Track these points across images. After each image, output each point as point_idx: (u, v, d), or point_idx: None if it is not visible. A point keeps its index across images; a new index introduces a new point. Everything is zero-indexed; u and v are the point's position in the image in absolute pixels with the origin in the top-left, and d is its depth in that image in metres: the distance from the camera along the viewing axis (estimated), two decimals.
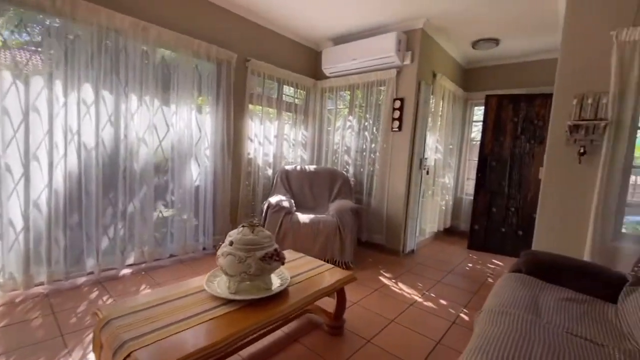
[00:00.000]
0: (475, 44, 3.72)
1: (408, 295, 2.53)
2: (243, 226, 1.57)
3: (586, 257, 2.19)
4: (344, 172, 3.73)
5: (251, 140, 3.51)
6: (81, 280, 2.39)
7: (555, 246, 2.30)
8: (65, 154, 2.23)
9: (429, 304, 2.41)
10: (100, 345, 1.26)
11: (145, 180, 2.65)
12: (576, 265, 1.73)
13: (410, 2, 2.88)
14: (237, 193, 3.42)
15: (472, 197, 4.03)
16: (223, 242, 1.57)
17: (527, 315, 1.32)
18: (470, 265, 3.39)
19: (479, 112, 4.54)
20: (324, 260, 2.87)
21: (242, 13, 3.23)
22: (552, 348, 1.09)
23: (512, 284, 1.64)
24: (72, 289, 2.28)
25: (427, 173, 3.80)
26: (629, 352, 1.15)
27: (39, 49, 2.13)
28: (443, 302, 2.46)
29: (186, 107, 2.83)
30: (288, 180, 3.61)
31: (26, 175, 2.12)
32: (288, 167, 3.67)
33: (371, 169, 3.77)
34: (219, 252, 1.54)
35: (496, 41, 3.59)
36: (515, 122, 3.70)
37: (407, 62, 3.34)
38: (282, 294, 1.58)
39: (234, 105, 3.22)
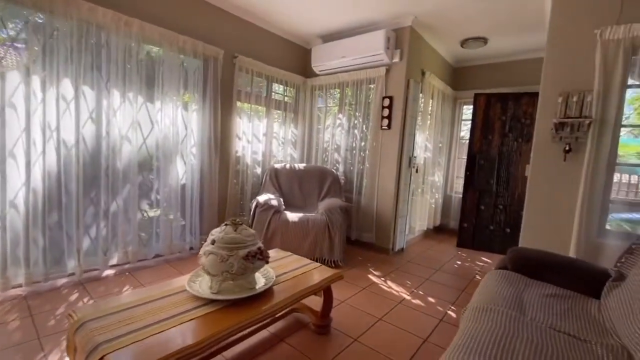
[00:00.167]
0: (463, 43, 3.74)
1: (396, 294, 2.52)
2: (226, 224, 1.53)
3: (571, 254, 2.21)
4: (333, 171, 3.71)
5: (239, 138, 3.47)
6: (61, 281, 2.32)
7: (541, 243, 2.32)
8: (44, 152, 2.16)
9: (417, 301, 2.41)
10: (74, 349, 1.22)
11: (129, 178, 2.59)
12: (561, 262, 1.73)
13: None
14: (225, 191, 3.37)
15: (461, 196, 4.05)
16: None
17: (511, 311, 1.32)
18: (459, 262, 3.40)
19: (468, 111, 4.57)
20: (313, 259, 2.85)
21: (228, 9, 3.18)
22: (535, 344, 1.09)
23: (498, 280, 1.64)
24: (52, 291, 2.21)
25: (417, 171, 3.81)
26: (611, 347, 1.15)
27: (15, 44, 2.05)
28: (431, 299, 2.46)
29: (172, 104, 2.76)
30: (277, 179, 3.58)
31: (2, 173, 2.05)
32: (277, 166, 3.64)
33: (361, 167, 3.75)
34: (201, 251, 1.51)
35: (484, 40, 3.61)
36: (503, 120, 3.73)
37: (396, 60, 3.34)
38: (267, 293, 1.55)
39: (222, 103, 3.17)
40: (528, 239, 2.44)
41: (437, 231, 4.62)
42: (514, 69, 4.08)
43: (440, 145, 4.43)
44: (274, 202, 3.11)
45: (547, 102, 2.36)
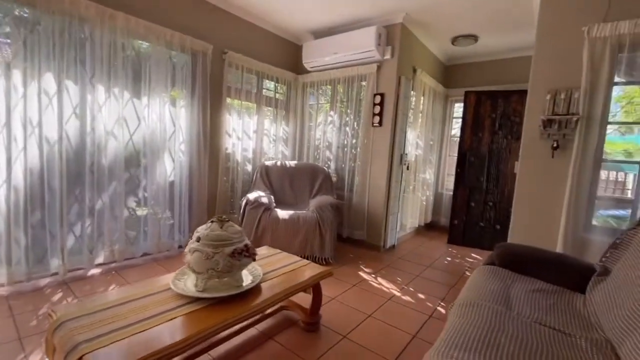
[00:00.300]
0: (454, 40, 3.74)
1: (387, 290, 2.52)
2: (212, 221, 1.51)
3: (559, 249, 2.23)
4: (325, 168, 3.69)
5: (229, 135, 3.42)
6: (45, 281, 2.26)
7: (529, 239, 2.34)
8: (25, 148, 2.10)
9: (407, 298, 2.41)
10: (53, 349, 1.18)
11: (115, 175, 2.53)
12: (547, 257, 1.74)
13: None
14: (215, 189, 3.33)
15: (452, 193, 4.07)
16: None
17: (497, 306, 1.32)
18: (449, 259, 3.42)
19: (459, 109, 4.57)
20: (304, 257, 2.84)
21: (218, 3, 3.13)
22: (520, 338, 1.09)
23: (485, 276, 1.64)
24: (35, 291, 2.16)
25: (408, 168, 3.81)
26: (595, 341, 1.16)
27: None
28: (421, 295, 2.47)
29: (159, 100, 2.71)
30: (268, 176, 3.55)
31: None
32: (268, 163, 3.61)
33: (352, 164, 3.74)
34: (186, 249, 1.48)
35: (475, 38, 3.62)
36: (493, 118, 3.75)
37: (388, 56, 3.33)
38: (254, 291, 1.53)
39: (211, 99, 3.12)
40: (517, 235, 2.46)
41: (429, 228, 4.64)
42: (504, 67, 4.10)
43: (432, 142, 4.44)
44: (264, 200, 3.08)
45: (535, 99, 2.37)
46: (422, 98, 3.95)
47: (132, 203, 2.75)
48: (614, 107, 2.32)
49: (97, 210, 2.47)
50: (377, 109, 3.43)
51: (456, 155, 4.06)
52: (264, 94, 3.77)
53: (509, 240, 2.47)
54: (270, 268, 1.83)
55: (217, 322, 1.24)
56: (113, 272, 2.53)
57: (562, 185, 2.25)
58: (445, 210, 4.59)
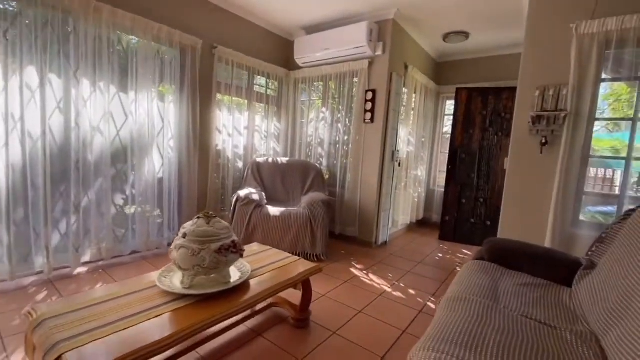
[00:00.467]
0: (446, 37, 3.75)
1: (378, 286, 2.52)
2: (198, 217, 1.48)
3: (547, 244, 2.26)
4: (317, 165, 3.68)
5: (220, 132, 3.39)
6: (29, 280, 2.21)
7: (518, 234, 2.36)
8: (7, 144, 2.04)
9: (398, 294, 2.42)
10: (33, 348, 1.15)
11: (102, 172, 2.48)
12: (535, 252, 1.76)
13: None
14: (206, 186, 3.29)
15: (443, 189, 4.08)
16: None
17: (485, 300, 1.32)
18: (440, 255, 3.44)
19: (451, 106, 4.58)
20: (295, 254, 2.83)
21: None
22: (507, 331, 1.09)
23: (474, 271, 1.64)
24: (18, 290, 2.11)
25: (400, 165, 3.82)
26: (580, 333, 1.17)
27: None
28: (412, 291, 2.47)
29: (147, 95, 2.66)
30: (259, 173, 3.52)
31: None
32: (259, 160, 3.58)
33: (344, 161, 3.73)
34: (172, 246, 1.45)
35: (466, 35, 3.63)
36: (484, 115, 3.77)
37: (379, 52, 3.32)
38: (242, 287, 1.52)
39: (201, 94, 3.08)
40: (506, 230, 2.48)
41: (420, 225, 4.66)
42: (495, 64, 4.12)
43: (424, 139, 4.46)
44: (255, 197, 3.06)
45: (525, 95, 2.39)
46: (413, 95, 3.95)
47: (119, 200, 2.70)
48: (602, 105, 2.35)
49: (83, 207, 2.42)
50: (369, 106, 3.42)
51: (448, 152, 4.07)
52: (255, 90, 3.74)
53: (498, 236, 2.49)
54: (259, 265, 1.81)
55: (202, 319, 1.22)
56: (100, 271, 2.49)
57: (551, 181, 2.27)
58: (437, 207, 4.62)
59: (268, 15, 3.52)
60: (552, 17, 2.28)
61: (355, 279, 2.64)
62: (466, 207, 3.90)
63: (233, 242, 1.48)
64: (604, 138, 2.85)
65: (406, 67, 3.64)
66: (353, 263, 3.00)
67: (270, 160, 3.61)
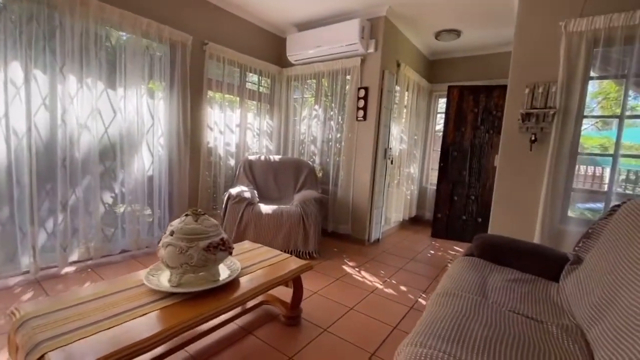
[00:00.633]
0: (438, 35, 3.76)
1: (369, 283, 2.53)
2: (186, 215, 1.47)
3: (536, 240, 2.28)
4: (309, 162, 3.66)
5: (211, 129, 3.35)
6: (15, 280, 2.16)
7: (508, 230, 2.38)
8: None
9: (390, 290, 2.42)
10: (16, 348, 1.13)
11: (90, 170, 2.44)
12: (524, 248, 1.77)
13: None
14: (197, 184, 3.26)
15: (436, 187, 4.11)
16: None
17: (473, 296, 1.33)
18: (432, 252, 3.46)
19: (444, 104, 4.60)
20: (288, 252, 2.83)
21: None
22: (494, 326, 1.10)
23: (464, 267, 1.66)
24: (3, 290, 2.07)
25: (392, 163, 3.83)
26: (566, 327, 1.18)
27: None
28: (403, 288, 2.48)
29: (136, 91, 2.62)
30: (251, 171, 3.50)
31: None
32: (252, 157, 3.55)
33: (337, 158, 3.73)
34: (160, 243, 1.43)
35: (458, 33, 3.64)
36: (476, 112, 3.80)
37: (371, 50, 3.31)
38: (231, 285, 1.50)
39: (191, 91, 3.04)
40: (496, 226, 2.50)
41: (413, 222, 4.69)
42: (487, 62, 4.15)
43: (416, 137, 4.47)
44: (247, 194, 3.04)
45: (515, 93, 2.41)
46: (406, 92, 3.96)
47: (108, 198, 2.66)
48: (591, 103, 2.38)
49: (71, 205, 2.37)
50: (361, 103, 3.42)
51: (440, 149, 4.09)
52: (247, 87, 3.71)
53: (489, 232, 2.51)
54: (249, 262, 1.80)
55: (190, 317, 1.20)
56: (89, 270, 2.45)
57: (540, 178, 2.30)
58: (430, 204, 4.64)
59: (259, 11, 3.49)
60: (541, 15, 2.30)
61: (347, 276, 2.64)
62: (458, 204, 3.93)
63: (222, 239, 1.46)
64: (593, 136, 2.89)
65: (398, 65, 3.64)
66: (345, 260, 3.01)
67: (262, 158, 3.59)
